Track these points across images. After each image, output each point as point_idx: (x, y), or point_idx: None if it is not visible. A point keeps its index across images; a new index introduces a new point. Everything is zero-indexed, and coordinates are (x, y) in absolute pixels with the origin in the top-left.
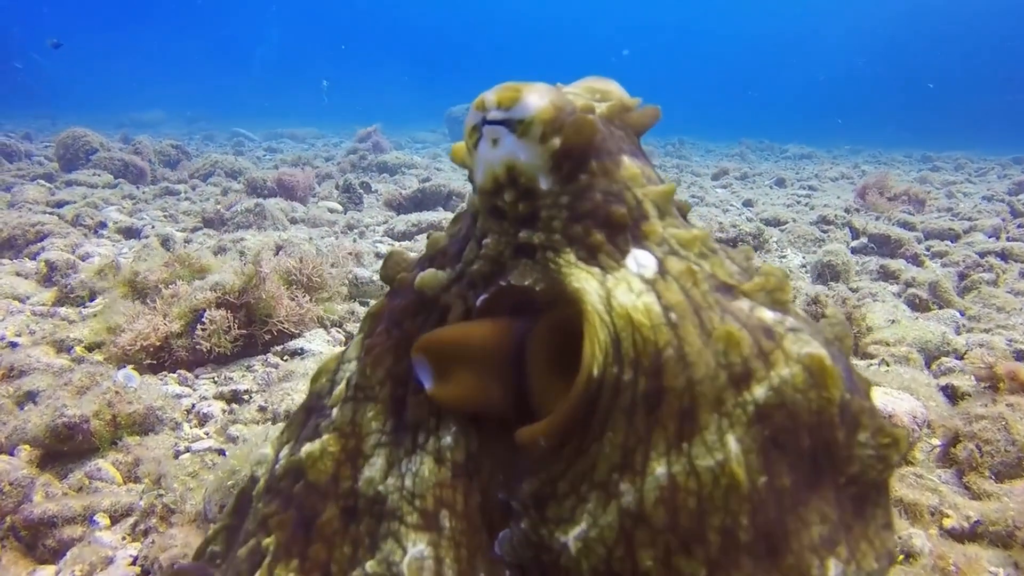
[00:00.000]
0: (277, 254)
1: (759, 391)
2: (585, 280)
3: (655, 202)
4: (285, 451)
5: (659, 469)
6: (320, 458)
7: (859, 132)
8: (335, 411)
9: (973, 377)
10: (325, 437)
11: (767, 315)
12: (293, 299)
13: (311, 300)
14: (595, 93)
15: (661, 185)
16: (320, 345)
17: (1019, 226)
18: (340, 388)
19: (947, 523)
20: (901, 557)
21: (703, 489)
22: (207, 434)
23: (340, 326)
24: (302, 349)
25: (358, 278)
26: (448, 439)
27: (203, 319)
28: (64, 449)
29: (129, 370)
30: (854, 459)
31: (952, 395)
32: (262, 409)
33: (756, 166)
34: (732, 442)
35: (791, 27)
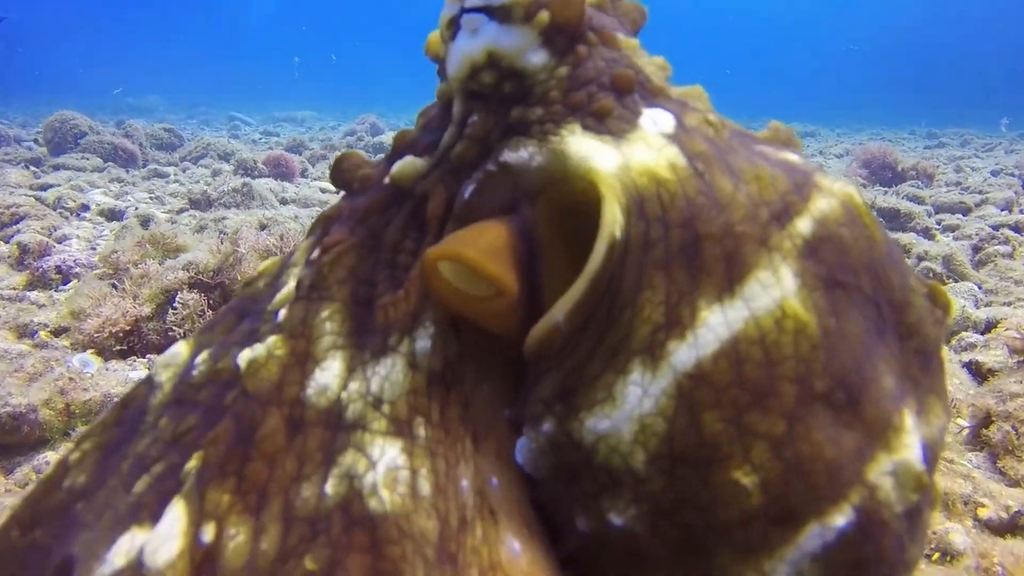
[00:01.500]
0: (262, 232)
1: (803, 223)
2: (593, 148)
3: (655, 70)
4: (203, 356)
5: (712, 318)
6: (265, 364)
7: (862, 109)
8: (281, 312)
9: (1006, 347)
10: (271, 340)
11: (793, 156)
12: None
13: None
14: None
15: (652, 59)
16: None
17: None
18: (286, 290)
19: (982, 513)
20: (937, 556)
21: (767, 336)
22: None
23: None
24: None
25: None
26: (424, 343)
27: (175, 302)
28: (10, 441)
29: (88, 355)
30: (912, 306)
31: (976, 372)
32: None
33: None
34: (788, 276)
35: (791, 5)
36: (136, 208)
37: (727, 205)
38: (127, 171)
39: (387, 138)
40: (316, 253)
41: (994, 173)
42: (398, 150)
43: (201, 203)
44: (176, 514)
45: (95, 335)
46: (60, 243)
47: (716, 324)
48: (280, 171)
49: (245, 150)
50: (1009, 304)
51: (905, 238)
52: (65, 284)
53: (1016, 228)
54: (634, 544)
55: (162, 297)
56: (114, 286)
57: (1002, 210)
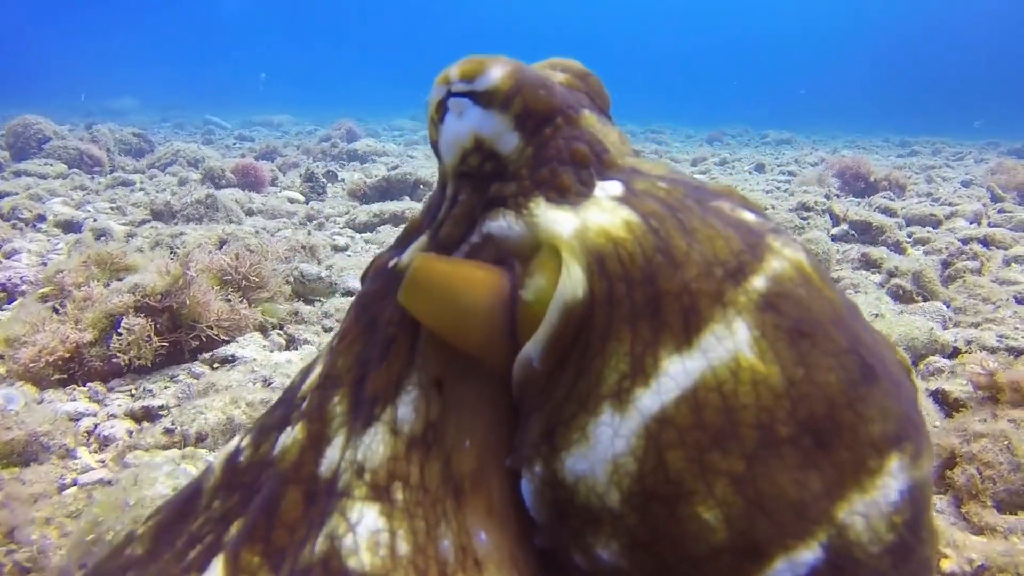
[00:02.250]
0: (221, 248)
1: (758, 281)
2: (557, 217)
3: (614, 144)
4: (247, 441)
5: (672, 367)
6: (290, 448)
7: (837, 119)
8: (305, 401)
9: (970, 384)
10: (297, 426)
11: (748, 215)
12: (227, 300)
13: (248, 302)
14: (556, 67)
15: (618, 133)
16: (255, 351)
17: (999, 211)
18: (312, 378)
19: (946, 565)
20: None
21: (723, 384)
22: (102, 462)
23: (281, 328)
24: (233, 356)
25: (304, 275)
26: (405, 408)
27: (119, 327)
28: None
29: (12, 390)
30: (887, 360)
31: (942, 401)
32: (168, 432)
33: (736, 151)
34: (742, 328)
35: (772, 16)
36: (95, 220)
37: (683, 263)
38: (92, 178)
39: (361, 145)
40: (335, 340)
41: (964, 184)
42: (406, 239)
43: (164, 214)
44: (216, 570)
45: (30, 365)
46: (9, 258)
47: (676, 373)
48: (248, 180)
49: (216, 157)
50: (977, 325)
51: (876, 252)
52: (10, 303)
53: (984, 242)
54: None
55: (106, 322)
56: (56, 309)
57: (971, 223)
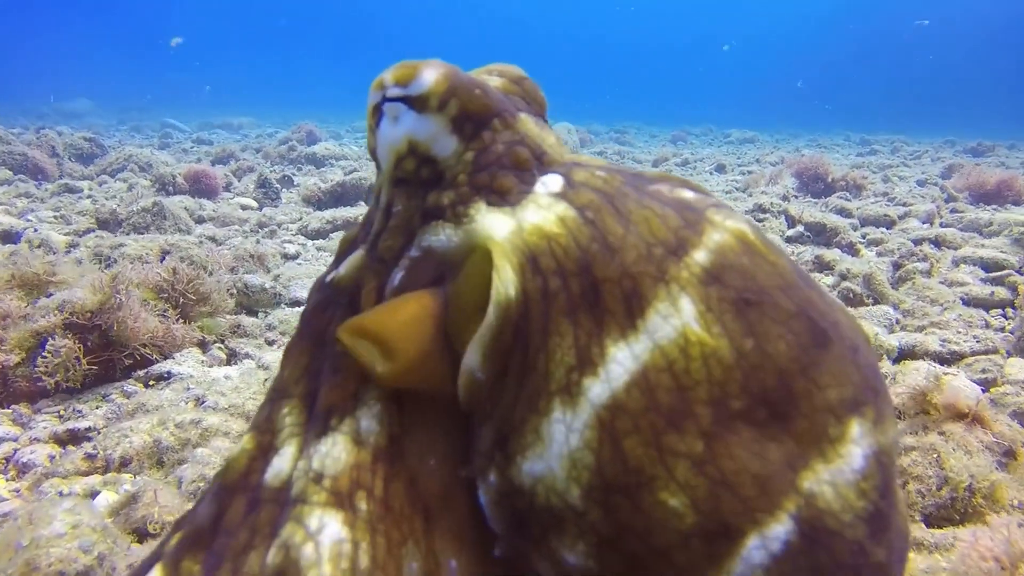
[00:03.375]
0: (163, 260)
1: (699, 255)
2: (494, 220)
3: (552, 146)
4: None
5: (619, 353)
6: (237, 458)
7: (801, 117)
8: (255, 414)
9: (906, 396)
10: (245, 438)
11: (687, 194)
12: (163, 317)
13: (186, 318)
14: (492, 72)
15: (555, 136)
16: (192, 367)
17: (952, 211)
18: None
19: None
20: None
21: (674, 363)
22: (16, 492)
23: (222, 342)
24: (169, 373)
25: (248, 286)
26: (368, 421)
27: (45, 349)
28: None
29: None
30: (842, 323)
31: None
32: (90, 457)
33: (698, 151)
34: (687, 303)
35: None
36: (36, 230)
37: (620, 248)
38: (39, 184)
39: (320, 149)
40: (283, 353)
41: (920, 183)
42: (343, 253)
43: (110, 223)
44: None
45: None
46: None
47: (623, 359)
48: (200, 187)
49: (170, 161)
50: (922, 329)
51: (830, 254)
52: None
53: (936, 242)
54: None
55: (32, 341)
56: None
57: (924, 223)
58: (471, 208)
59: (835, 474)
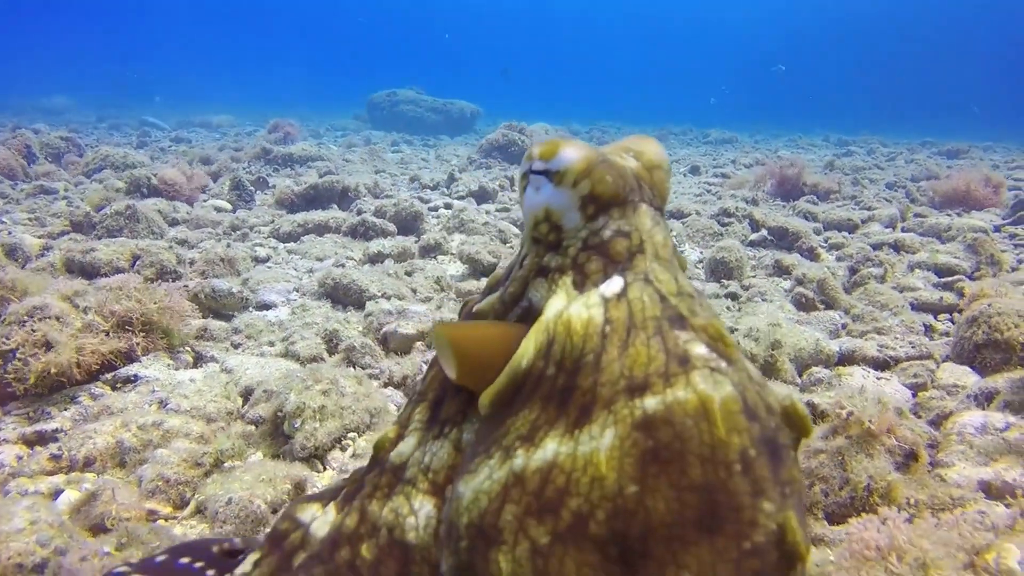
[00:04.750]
0: (134, 265)
1: (650, 401)
2: (558, 300)
3: (655, 245)
4: None
5: (550, 445)
6: (382, 441)
7: (780, 117)
8: (400, 411)
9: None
10: (389, 428)
11: (698, 350)
12: (124, 331)
13: (145, 334)
14: (629, 151)
15: (665, 234)
16: (159, 371)
17: (915, 215)
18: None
19: None
20: None
21: (573, 472)
22: None
23: (189, 347)
24: (136, 376)
25: (215, 290)
26: (469, 435)
27: (16, 355)
28: None
29: None
30: (758, 527)
31: (812, 414)
32: (55, 457)
33: (675, 152)
34: (608, 435)
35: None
36: (9, 233)
37: (604, 368)
38: (14, 185)
39: (297, 149)
40: (431, 362)
41: (889, 186)
42: (489, 286)
43: (83, 226)
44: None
45: None
46: None
47: (550, 450)
48: (175, 189)
49: (146, 162)
50: (865, 335)
51: (789, 259)
52: None
53: (895, 247)
54: None
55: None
56: None
57: (886, 227)
58: (562, 279)
59: None
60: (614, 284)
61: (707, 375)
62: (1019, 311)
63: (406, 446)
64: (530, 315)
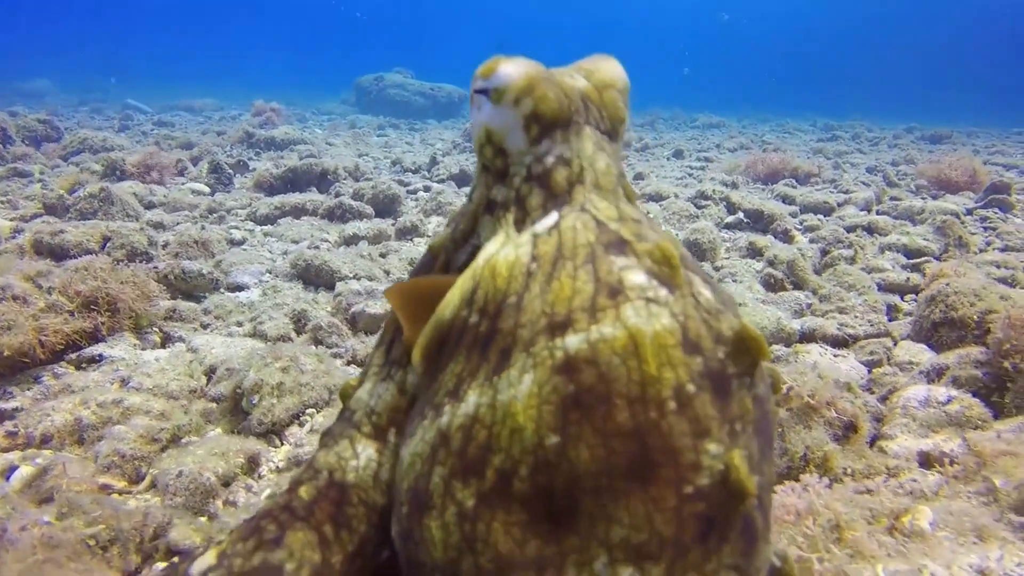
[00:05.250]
0: (104, 247)
1: (572, 340)
2: (494, 241)
3: (596, 173)
4: None
5: (471, 397)
6: (345, 389)
7: (770, 100)
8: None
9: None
10: (358, 374)
11: (634, 278)
12: (90, 312)
13: (111, 314)
14: (581, 69)
15: (608, 161)
16: (124, 351)
17: (891, 199)
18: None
19: None
20: None
21: (493, 425)
22: None
23: (157, 327)
24: (100, 356)
25: (185, 271)
26: (413, 376)
27: None
28: None
29: None
30: (701, 469)
31: None
32: (11, 435)
33: (662, 136)
34: (527, 382)
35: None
36: None
37: (525, 307)
38: None
39: (280, 133)
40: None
41: (870, 170)
42: (450, 222)
43: (57, 208)
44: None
45: None
46: None
47: (471, 402)
48: (152, 172)
49: (126, 145)
50: (825, 315)
51: (762, 241)
52: None
53: (869, 229)
54: (402, 555)
55: None
56: None
57: (861, 210)
58: (506, 216)
59: None
60: (549, 220)
61: (641, 307)
62: (975, 290)
63: (363, 391)
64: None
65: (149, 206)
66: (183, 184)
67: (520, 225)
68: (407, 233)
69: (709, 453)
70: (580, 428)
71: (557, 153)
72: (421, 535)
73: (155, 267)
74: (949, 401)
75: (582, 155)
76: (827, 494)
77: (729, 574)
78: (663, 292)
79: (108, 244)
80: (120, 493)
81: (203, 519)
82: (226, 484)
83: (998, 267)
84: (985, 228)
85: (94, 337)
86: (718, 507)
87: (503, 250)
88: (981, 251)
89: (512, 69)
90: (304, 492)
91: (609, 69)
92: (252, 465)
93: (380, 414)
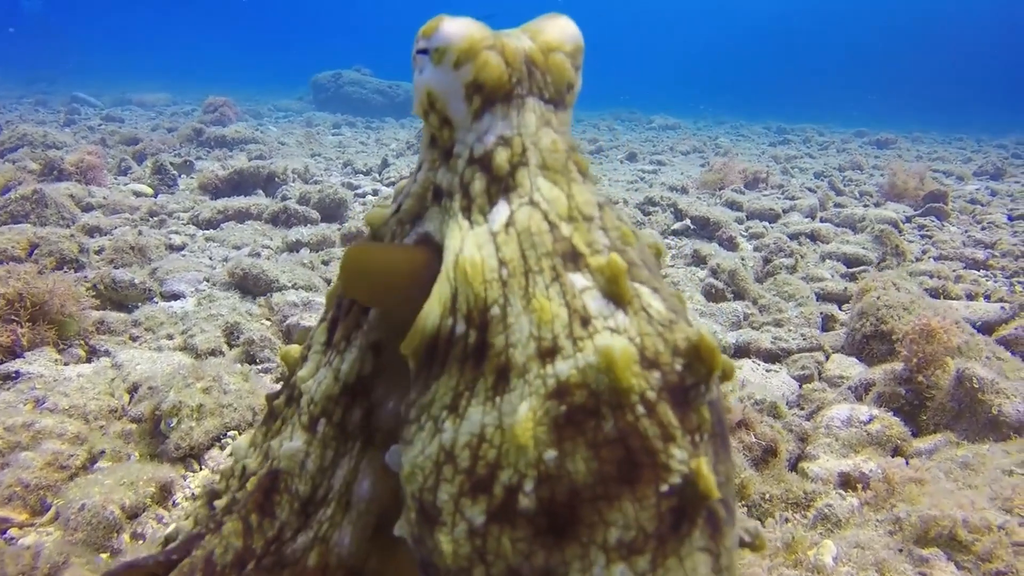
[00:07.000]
0: (31, 254)
1: (562, 366)
2: (452, 237)
3: (541, 152)
4: None
5: (474, 415)
6: (288, 355)
7: (729, 102)
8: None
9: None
10: (300, 346)
11: (594, 305)
12: (8, 323)
13: (32, 324)
14: (528, 30)
15: (553, 137)
16: (43, 367)
17: (836, 205)
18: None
19: None
20: None
21: (503, 444)
22: None
23: (83, 340)
24: (17, 373)
25: (116, 281)
26: (347, 361)
27: None
28: None
29: None
30: (672, 471)
31: None
32: None
33: (617, 138)
34: (523, 408)
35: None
36: None
37: (511, 325)
38: None
39: (231, 131)
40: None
41: (817, 175)
42: (394, 198)
43: None
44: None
45: None
46: None
47: (475, 421)
48: (91, 172)
49: (69, 141)
50: (761, 328)
51: (707, 249)
52: None
53: (812, 236)
54: (416, 553)
55: None
56: None
57: (806, 217)
58: (453, 204)
59: None
60: (500, 213)
61: (607, 336)
62: (904, 304)
63: (306, 371)
64: (429, 245)
65: (87, 208)
66: (125, 185)
67: (467, 213)
68: (352, 239)
69: (676, 457)
70: (574, 442)
71: (498, 132)
72: (433, 545)
73: (84, 276)
74: (870, 420)
75: (524, 133)
76: None
77: (702, 555)
78: (620, 317)
79: (35, 251)
80: (20, 527)
81: (104, 556)
82: (133, 516)
83: (931, 277)
84: (922, 236)
85: (11, 352)
86: (687, 501)
87: (465, 249)
88: (917, 259)
89: (454, 28)
90: (250, 484)
91: (557, 29)
92: (164, 494)
93: (316, 403)
